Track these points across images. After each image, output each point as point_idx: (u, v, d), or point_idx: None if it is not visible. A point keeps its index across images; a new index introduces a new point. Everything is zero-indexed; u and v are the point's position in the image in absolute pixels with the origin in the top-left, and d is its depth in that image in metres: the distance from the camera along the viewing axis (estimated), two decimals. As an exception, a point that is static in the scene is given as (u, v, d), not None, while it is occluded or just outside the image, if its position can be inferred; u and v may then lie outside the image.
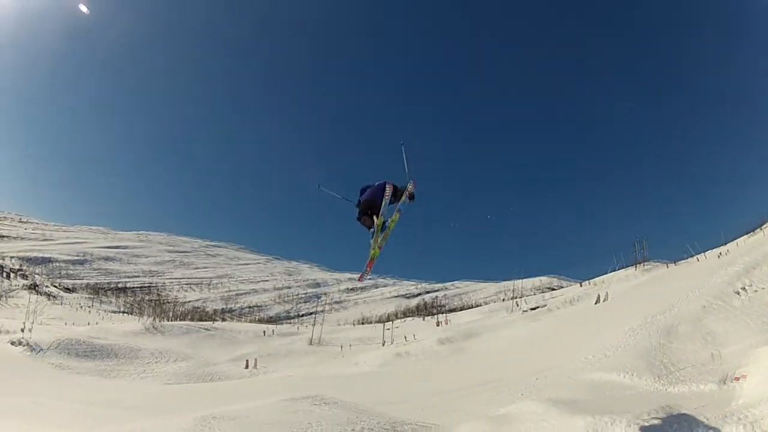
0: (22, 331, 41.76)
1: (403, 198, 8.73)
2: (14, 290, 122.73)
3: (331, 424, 9.49)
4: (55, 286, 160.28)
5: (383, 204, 8.62)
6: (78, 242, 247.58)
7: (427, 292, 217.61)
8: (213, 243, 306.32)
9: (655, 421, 6.41)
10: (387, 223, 8.63)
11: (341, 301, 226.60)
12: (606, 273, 45.99)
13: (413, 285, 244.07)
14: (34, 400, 18.27)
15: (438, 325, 54.33)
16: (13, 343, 38.17)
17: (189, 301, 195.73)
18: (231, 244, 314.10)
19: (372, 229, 8.69)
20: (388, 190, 8.65)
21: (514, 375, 17.99)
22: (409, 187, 8.88)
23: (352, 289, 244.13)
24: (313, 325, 60.22)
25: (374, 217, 8.62)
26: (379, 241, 8.67)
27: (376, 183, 8.95)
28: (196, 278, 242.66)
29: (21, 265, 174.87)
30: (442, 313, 79.08)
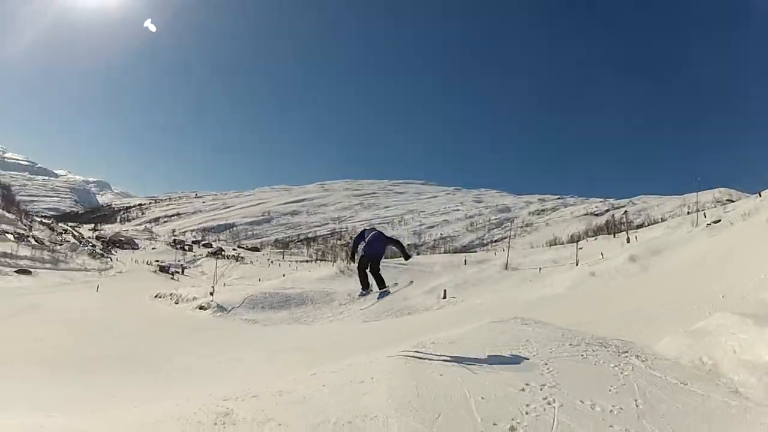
0: (211, 294, 42.77)
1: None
2: (198, 259, 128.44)
3: (546, 340, 9.62)
4: (241, 248, 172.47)
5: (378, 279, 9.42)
6: (260, 203, 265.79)
7: (610, 210, 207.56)
8: (396, 181, 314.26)
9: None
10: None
11: (530, 224, 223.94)
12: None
13: (599, 202, 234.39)
14: (232, 357, 19.13)
15: (624, 244, 53.25)
16: (201, 308, 39.09)
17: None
18: (414, 180, 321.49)
19: (363, 292, 9.61)
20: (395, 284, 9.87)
21: (700, 291, 17.72)
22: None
23: (539, 211, 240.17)
24: (504, 250, 60.48)
25: (368, 279, 9.35)
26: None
27: (373, 232, 9.37)
28: (383, 217, 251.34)
29: (203, 236, 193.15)
30: (627, 230, 76.35)
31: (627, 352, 8.80)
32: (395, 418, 5.94)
